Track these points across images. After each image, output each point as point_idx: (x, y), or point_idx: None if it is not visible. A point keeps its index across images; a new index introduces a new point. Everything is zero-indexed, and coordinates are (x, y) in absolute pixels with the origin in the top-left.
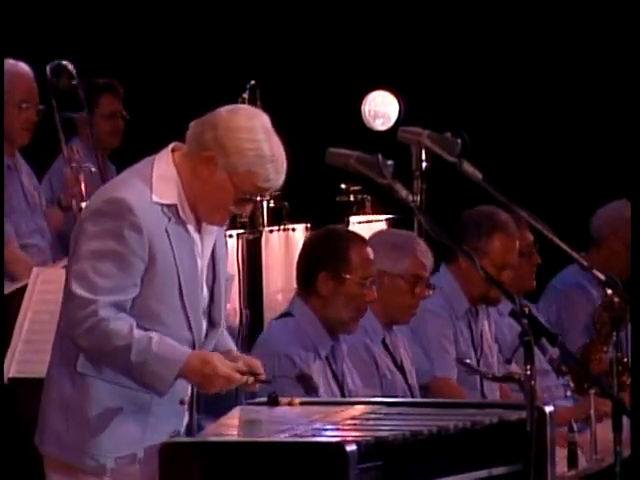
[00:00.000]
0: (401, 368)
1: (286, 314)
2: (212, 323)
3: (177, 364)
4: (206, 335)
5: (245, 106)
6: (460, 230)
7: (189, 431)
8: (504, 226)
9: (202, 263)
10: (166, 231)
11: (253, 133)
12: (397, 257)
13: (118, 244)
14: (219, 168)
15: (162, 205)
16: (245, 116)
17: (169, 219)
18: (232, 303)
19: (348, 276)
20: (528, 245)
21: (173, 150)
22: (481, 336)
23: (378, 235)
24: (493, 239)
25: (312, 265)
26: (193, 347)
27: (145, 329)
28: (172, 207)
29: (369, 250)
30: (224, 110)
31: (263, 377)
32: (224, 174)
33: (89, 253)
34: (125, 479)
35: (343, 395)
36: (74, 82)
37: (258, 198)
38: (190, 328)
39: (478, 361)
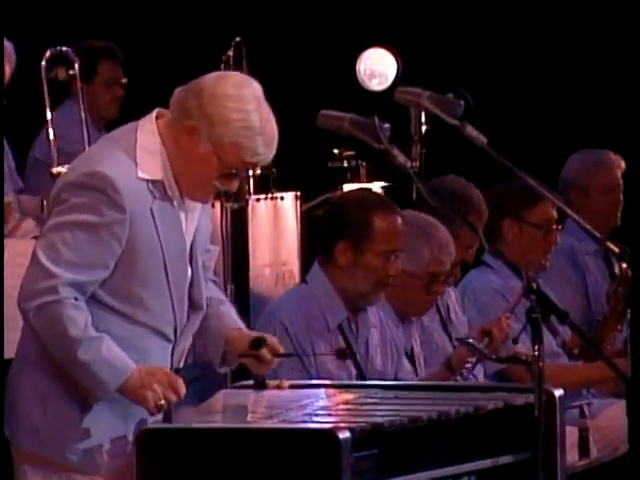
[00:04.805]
0: (412, 357)
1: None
2: (193, 305)
3: (124, 374)
4: (187, 318)
5: (235, 73)
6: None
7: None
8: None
9: (188, 241)
10: (151, 211)
11: (241, 102)
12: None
13: (94, 218)
14: (203, 139)
15: (147, 181)
16: (233, 84)
17: (154, 197)
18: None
19: (369, 248)
20: (548, 220)
21: (157, 117)
22: (448, 309)
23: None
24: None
25: (331, 232)
26: (175, 330)
27: (125, 314)
28: (158, 183)
29: (397, 220)
30: (211, 76)
31: (280, 351)
32: (208, 146)
33: (61, 224)
34: (111, 471)
35: (361, 371)
36: (72, 72)
37: (250, 172)
38: (173, 310)
39: (450, 335)
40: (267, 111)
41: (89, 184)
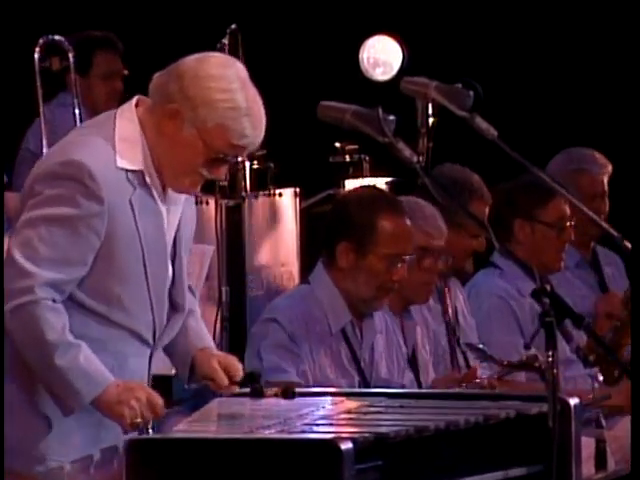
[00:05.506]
0: (413, 362)
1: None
2: (174, 306)
3: (100, 386)
4: (168, 319)
5: (217, 54)
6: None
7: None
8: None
9: (169, 237)
10: (130, 203)
11: (225, 82)
12: None
13: (71, 210)
14: (186, 123)
15: (127, 171)
16: (216, 64)
17: (134, 188)
18: (210, 280)
19: (372, 250)
20: (561, 218)
21: (137, 105)
22: (456, 313)
23: None
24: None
25: (332, 231)
26: (154, 334)
27: (101, 315)
28: (138, 173)
29: (405, 222)
30: (192, 58)
31: (237, 378)
32: (192, 130)
33: (36, 219)
34: None
35: (365, 379)
36: (65, 63)
37: (239, 159)
38: (152, 311)
39: (458, 339)
40: (253, 92)
41: (64, 174)
